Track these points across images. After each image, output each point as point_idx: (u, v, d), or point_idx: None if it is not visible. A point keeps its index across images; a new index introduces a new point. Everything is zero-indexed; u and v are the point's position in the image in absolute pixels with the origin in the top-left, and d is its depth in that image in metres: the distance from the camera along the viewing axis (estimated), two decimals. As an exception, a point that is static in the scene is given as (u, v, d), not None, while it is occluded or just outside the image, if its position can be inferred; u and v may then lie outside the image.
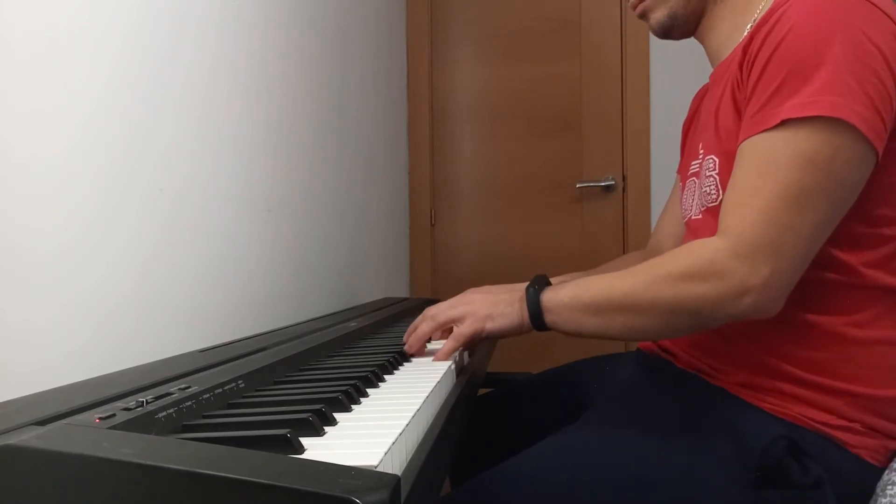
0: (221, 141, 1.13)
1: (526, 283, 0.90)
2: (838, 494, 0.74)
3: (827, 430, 0.79)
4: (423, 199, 2.49)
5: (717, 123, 0.87)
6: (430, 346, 1.05)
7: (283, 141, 1.38)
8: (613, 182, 2.31)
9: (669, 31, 0.98)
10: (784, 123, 0.72)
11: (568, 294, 0.85)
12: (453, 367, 0.88)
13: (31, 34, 0.75)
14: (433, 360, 0.92)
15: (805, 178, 0.71)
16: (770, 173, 0.73)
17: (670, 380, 0.93)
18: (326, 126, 1.62)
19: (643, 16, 0.99)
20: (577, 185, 2.34)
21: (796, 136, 0.72)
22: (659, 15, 0.97)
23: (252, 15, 1.26)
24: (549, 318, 0.85)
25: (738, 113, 0.81)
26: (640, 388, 0.97)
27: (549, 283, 0.90)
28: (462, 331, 0.91)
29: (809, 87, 0.71)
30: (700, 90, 1.08)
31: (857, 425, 0.79)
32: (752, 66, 0.78)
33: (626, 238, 2.29)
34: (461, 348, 0.93)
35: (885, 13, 0.73)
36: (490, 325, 0.90)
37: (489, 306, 0.91)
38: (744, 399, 0.83)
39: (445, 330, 0.97)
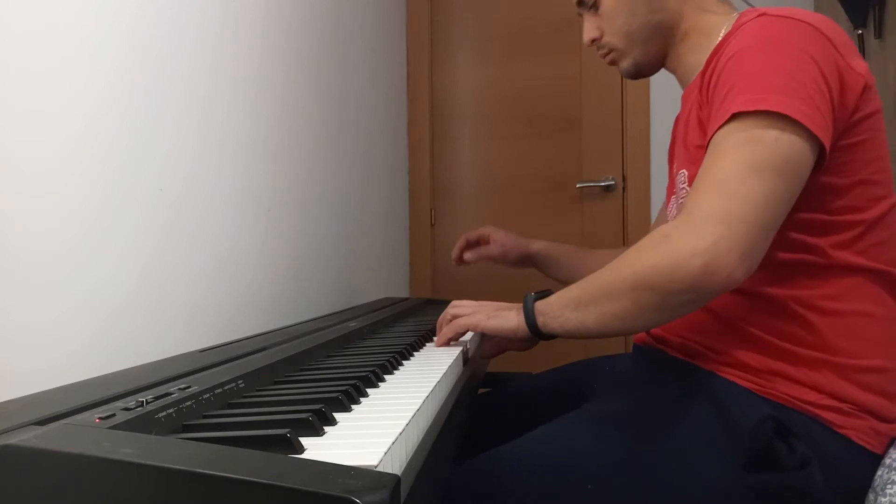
0: (222, 141, 1.13)
1: None
2: (826, 474, 0.77)
3: (814, 409, 0.82)
4: (423, 199, 2.49)
5: (686, 140, 0.96)
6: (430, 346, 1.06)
7: (284, 141, 1.38)
8: (613, 182, 2.31)
9: (637, 76, 1.09)
10: (734, 117, 0.79)
11: (558, 294, 0.90)
12: (453, 364, 0.88)
13: (32, 35, 0.75)
14: (435, 346, 1.02)
15: (751, 152, 0.77)
16: (719, 155, 0.79)
17: (663, 368, 0.96)
18: (326, 126, 1.62)
19: (612, 63, 1.09)
20: (577, 185, 2.34)
21: (744, 124, 0.78)
22: (625, 65, 1.07)
23: (252, 15, 1.26)
24: (539, 319, 0.89)
25: (703, 130, 0.88)
26: (633, 379, 1.02)
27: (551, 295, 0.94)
28: (461, 321, 0.99)
29: (756, 87, 0.79)
30: (677, 115, 1.13)
31: (845, 406, 0.82)
32: (710, 84, 0.86)
33: (626, 238, 2.29)
34: (455, 336, 1.01)
35: (825, 35, 0.82)
36: (485, 323, 0.96)
37: (493, 309, 0.98)
38: (733, 381, 0.86)
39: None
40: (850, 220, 0.84)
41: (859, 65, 0.83)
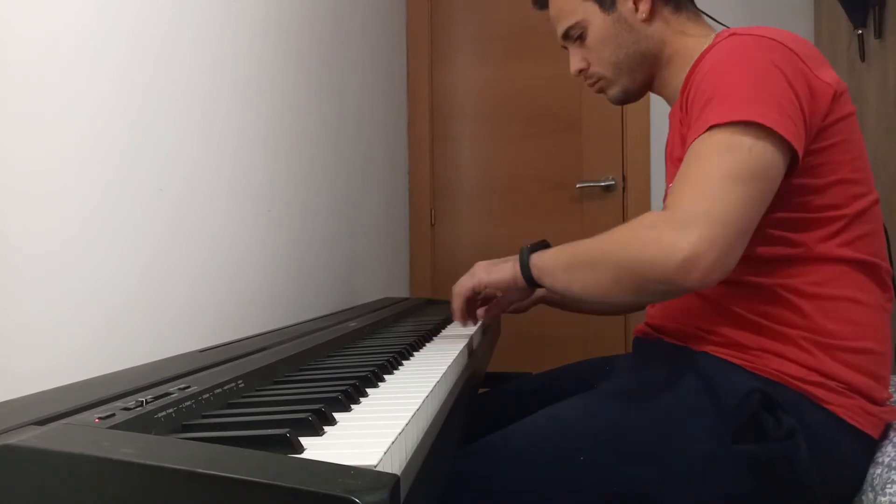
0: (222, 141, 1.14)
1: None
2: (813, 448, 0.80)
3: (802, 385, 0.85)
4: (423, 199, 2.49)
5: (673, 156, 1.02)
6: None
7: (284, 141, 1.38)
8: (613, 182, 2.31)
9: (625, 102, 1.13)
10: (711, 128, 0.83)
11: (553, 251, 0.97)
12: (453, 364, 0.88)
13: (32, 36, 0.75)
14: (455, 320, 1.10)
15: (729, 158, 0.82)
16: (700, 159, 0.84)
17: (660, 353, 1.00)
18: (326, 126, 1.62)
19: (600, 91, 1.12)
20: (577, 185, 2.34)
21: (720, 133, 0.83)
22: (613, 92, 1.10)
23: (252, 15, 1.26)
24: (534, 272, 0.96)
25: (685, 145, 0.92)
26: (629, 366, 1.07)
27: (548, 247, 1.01)
28: (466, 284, 1.05)
29: (730, 100, 0.84)
30: (668, 136, 1.16)
31: (833, 384, 0.85)
32: (688, 101, 0.92)
33: (626, 238, 2.29)
34: (463, 304, 1.07)
35: (791, 49, 0.86)
36: (487, 278, 1.04)
37: (490, 265, 1.06)
38: (723, 358, 0.90)
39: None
40: (831, 216, 0.88)
41: (828, 74, 0.88)
